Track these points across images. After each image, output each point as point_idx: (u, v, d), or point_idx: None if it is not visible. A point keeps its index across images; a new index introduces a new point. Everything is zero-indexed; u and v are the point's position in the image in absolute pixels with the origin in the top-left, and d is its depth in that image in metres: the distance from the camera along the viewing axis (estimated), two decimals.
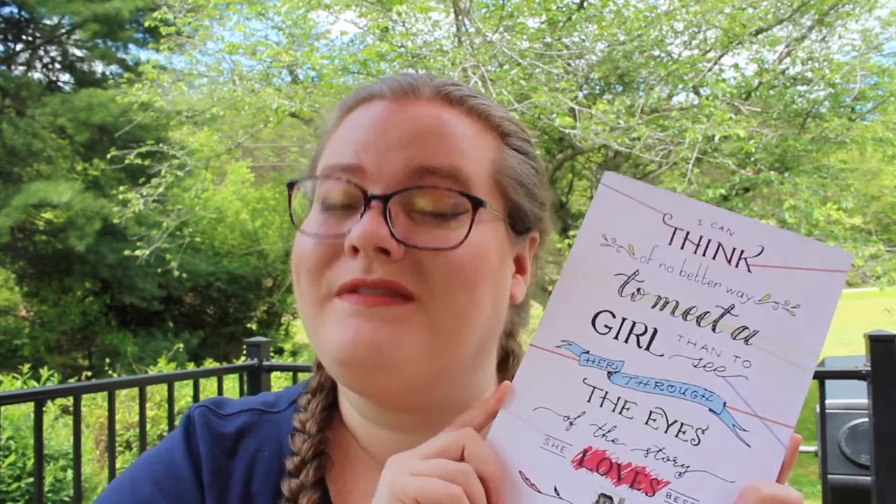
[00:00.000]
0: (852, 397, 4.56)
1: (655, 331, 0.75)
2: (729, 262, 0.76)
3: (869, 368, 2.90)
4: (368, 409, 0.90)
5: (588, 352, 0.76)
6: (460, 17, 8.75)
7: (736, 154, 8.76)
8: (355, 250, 0.80)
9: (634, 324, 0.76)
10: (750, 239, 0.76)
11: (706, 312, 0.75)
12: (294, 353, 16.02)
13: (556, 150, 10.34)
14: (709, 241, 0.76)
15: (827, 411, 3.59)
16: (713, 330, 0.74)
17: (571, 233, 9.15)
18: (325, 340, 0.83)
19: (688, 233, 0.77)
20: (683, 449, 0.72)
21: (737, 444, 0.71)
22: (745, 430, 0.72)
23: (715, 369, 0.73)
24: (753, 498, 0.69)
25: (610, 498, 0.71)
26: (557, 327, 0.77)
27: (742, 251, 0.76)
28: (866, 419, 2.99)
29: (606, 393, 0.74)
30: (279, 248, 17.01)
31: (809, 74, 9.77)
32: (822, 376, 3.13)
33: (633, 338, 0.75)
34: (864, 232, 10.67)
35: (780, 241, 0.76)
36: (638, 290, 0.76)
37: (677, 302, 0.75)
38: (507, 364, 0.99)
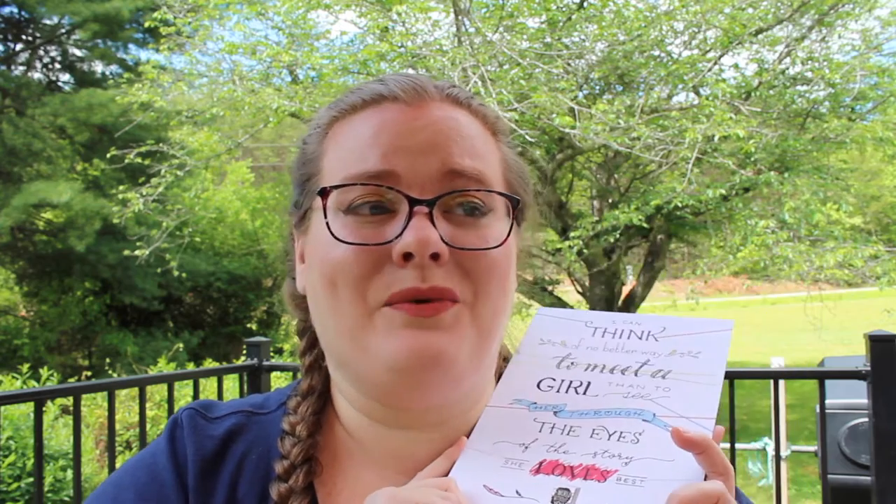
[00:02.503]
0: (852, 397, 4.56)
1: (590, 383, 0.91)
2: (640, 338, 0.95)
3: (869, 368, 2.90)
4: (378, 409, 0.89)
5: (535, 402, 0.90)
6: (460, 17, 8.75)
7: (736, 154, 8.76)
8: (406, 258, 0.80)
9: (571, 381, 0.91)
10: (654, 324, 0.96)
11: (628, 367, 0.92)
12: (294, 353, 15.99)
13: (556, 150, 10.34)
14: (622, 330, 0.96)
15: (827, 411, 3.59)
16: (635, 375, 0.90)
17: (571, 233, 9.15)
18: (376, 349, 0.82)
19: (605, 328, 0.97)
20: (626, 447, 0.83)
21: (670, 437, 0.81)
22: None
23: (642, 396, 0.88)
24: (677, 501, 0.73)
25: (567, 489, 0.79)
26: (509, 392, 0.92)
27: (649, 331, 0.95)
28: (866, 419, 2.99)
29: (554, 424, 0.87)
30: (279, 248, 16.92)
31: (809, 74, 9.76)
32: (822, 376, 3.13)
33: (571, 389, 0.90)
34: (864, 232, 10.68)
35: (678, 322, 0.96)
36: (571, 363, 0.94)
37: (604, 365, 0.92)
38: None
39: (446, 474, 0.82)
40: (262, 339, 3.80)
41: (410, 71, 8.87)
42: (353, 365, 0.86)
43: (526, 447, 0.84)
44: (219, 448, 0.93)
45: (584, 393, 0.89)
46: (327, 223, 0.85)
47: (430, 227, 0.80)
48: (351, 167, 0.85)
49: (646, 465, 0.79)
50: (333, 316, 0.85)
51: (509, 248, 0.88)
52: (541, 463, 0.82)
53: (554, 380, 0.91)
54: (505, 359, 1.00)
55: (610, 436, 0.83)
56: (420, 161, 0.83)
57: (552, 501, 0.77)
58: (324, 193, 0.86)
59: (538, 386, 0.91)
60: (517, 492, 0.79)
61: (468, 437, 0.86)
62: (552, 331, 0.98)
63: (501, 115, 1.00)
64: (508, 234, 0.85)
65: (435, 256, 0.80)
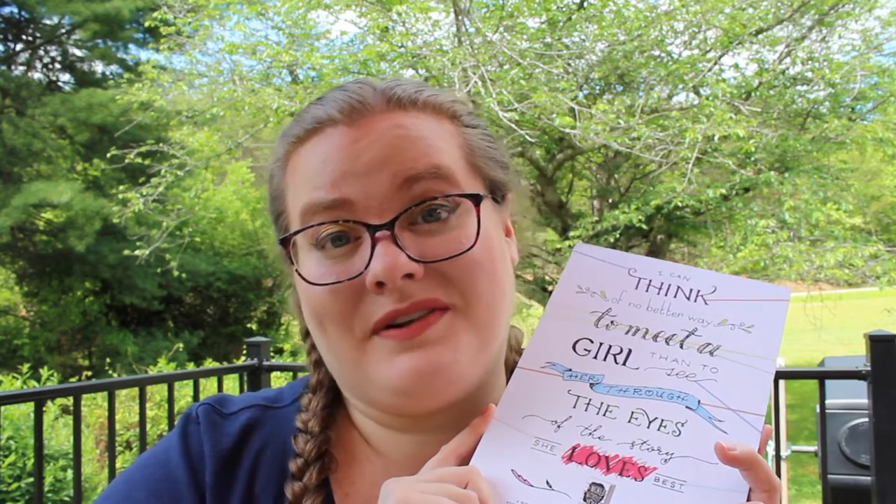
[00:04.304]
0: (852, 397, 4.56)
1: (630, 350, 0.84)
2: (688, 298, 0.87)
3: (869, 368, 2.90)
4: (388, 418, 0.89)
5: (570, 369, 0.83)
6: (460, 17, 8.75)
7: (736, 154, 8.76)
8: (379, 285, 0.79)
9: (611, 346, 0.84)
10: (704, 282, 0.88)
11: (673, 335, 0.84)
12: (294, 353, 16.02)
13: (556, 150, 10.34)
14: (669, 285, 0.88)
15: (827, 411, 3.59)
16: (681, 347, 0.83)
17: (571, 233, 9.15)
18: (375, 376, 0.83)
19: (650, 280, 0.89)
20: (666, 440, 0.77)
21: (715, 433, 0.76)
22: (720, 421, 0.77)
23: (686, 376, 0.81)
24: None
25: (601, 486, 0.74)
26: (542, 352, 0.85)
27: (698, 290, 0.87)
28: (866, 419, 2.99)
29: (590, 400, 0.81)
30: (279, 250, 16.91)
31: (809, 74, 9.76)
32: (822, 376, 3.13)
33: (610, 357, 0.84)
34: (864, 232, 10.67)
35: (730, 282, 0.88)
36: (611, 322, 0.86)
37: (647, 329, 0.85)
38: None
39: (471, 450, 0.79)
40: (262, 339, 3.80)
41: (410, 72, 8.87)
42: (358, 390, 0.87)
43: (559, 426, 0.79)
44: (236, 444, 0.92)
45: (624, 363, 0.83)
46: (297, 271, 0.86)
47: (395, 250, 0.79)
48: (306, 200, 0.84)
49: (687, 465, 0.74)
50: (330, 351, 0.87)
51: (489, 239, 0.85)
52: (574, 448, 0.77)
53: (591, 342, 0.85)
54: (516, 351, 0.99)
55: (650, 423, 0.78)
56: (370, 182, 0.81)
57: (584, 499, 0.73)
58: (286, 243, 0.87)
59: (574, 348, 0.85)
60: (548, 482, 0.75)
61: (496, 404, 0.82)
62: (591, 276, 0.90)
63: (458, 95, 0.98)
64: (477, 234, 0.83)
65: (409, 276, 0.79)
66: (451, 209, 0.83)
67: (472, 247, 0.82)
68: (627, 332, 0.85)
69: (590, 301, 0.88)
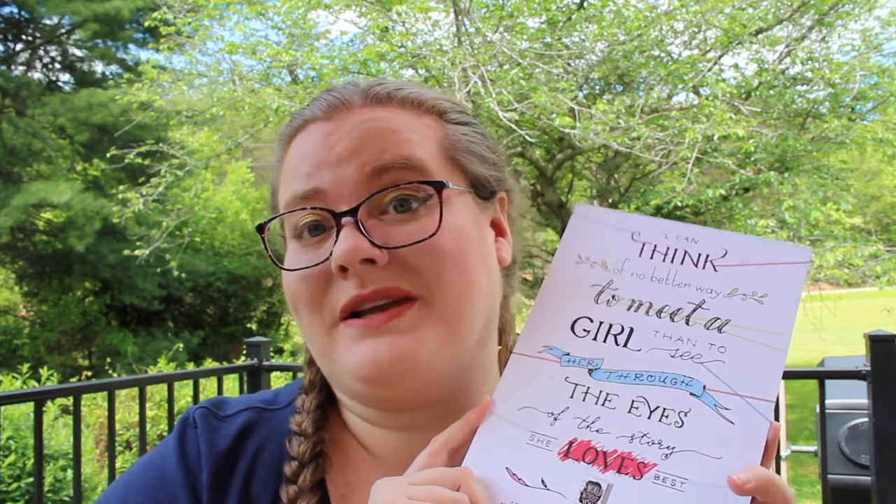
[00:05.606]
0: (852, 397, 4.56)
1: (632, 329, 0.79)
2: (696, 265, 0.81)
3: (869, 368, 2.90)
4: (373, 414, 0.90)
5: (568, 353, 0.79)
6: (460, 17, 8.75)
7: (736, 154, 8.76)
8: (343, 270, 0.81)
9: (611, 325, 0.80)
10: (713, 244, 0.82)
11: (679, 309, 0.79)
12: (294, 353, 16.02)
13: (556, 150, 10.34)
14: (675, 250, 0.82)
15: (827, 411, 3.59)
16: (686, 323, 0.78)
17: None
18: (342, 362, 0.84)
19: (655, 245, 0.83)
20: (668, 432, 0.73)
21: (720, 423, 0.73)
22: (727, 409, 0.74)
23: (692, 357, 0.76)
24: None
25: (598, 485, 0.72)
26: (538, 335, 0.81)
27: (707, 255, 0.81)
28: (866, 419, 2.99)
29: (588, 388, 0.77)
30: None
31: (809, 74, 9.77)
32: (822, 376, 3.13)
33: (610, 337, 0.79)
34: (864, 232, 10.67)
35: (742, 243, 0.81)
36: (613, 296, 0.81)
37: (651, 303, 0.80)
38: (502, 337, 0.99)
39: (463, 442, 0.78)
40: (262, 339, 3.80)
41: (410, 72, 8.87)
42: (332, 377, 0.89)
43: (555, 418, 0.76)
44: (232, 445, 0.93)
45: (625, 344, 0.78)
46: (270, 255, 0.89)
47: (356, 235, 0.80)
48: (286, 193, 0.88)
49: (689, 460, 0.71)
50: (305, 336, 0.89)
51: (458, 230, 0.84)
52: (571, 443, 0.74)
53: (591, 321, 0.80)
54: (511, 351, 0.98)
55: (651, 412, 0.74)
56: (340, 172, 0.83)
57: (581, 499, 0.71)
58: (261, 230, 0.90)
59: (572, 328, 0.80)
60: (543, 481, 0.72)
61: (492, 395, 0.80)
62: (591, 243, 0.85)
63: (450, 96, 0.99)
64: (440, 221, 0.82)
65: (370, 261, 0.80)
66: (422, 200, 0.84)
67: (433, 234, 0.82)
68: (629, 308, 0.80)
69: (590, 273, 0.83)
